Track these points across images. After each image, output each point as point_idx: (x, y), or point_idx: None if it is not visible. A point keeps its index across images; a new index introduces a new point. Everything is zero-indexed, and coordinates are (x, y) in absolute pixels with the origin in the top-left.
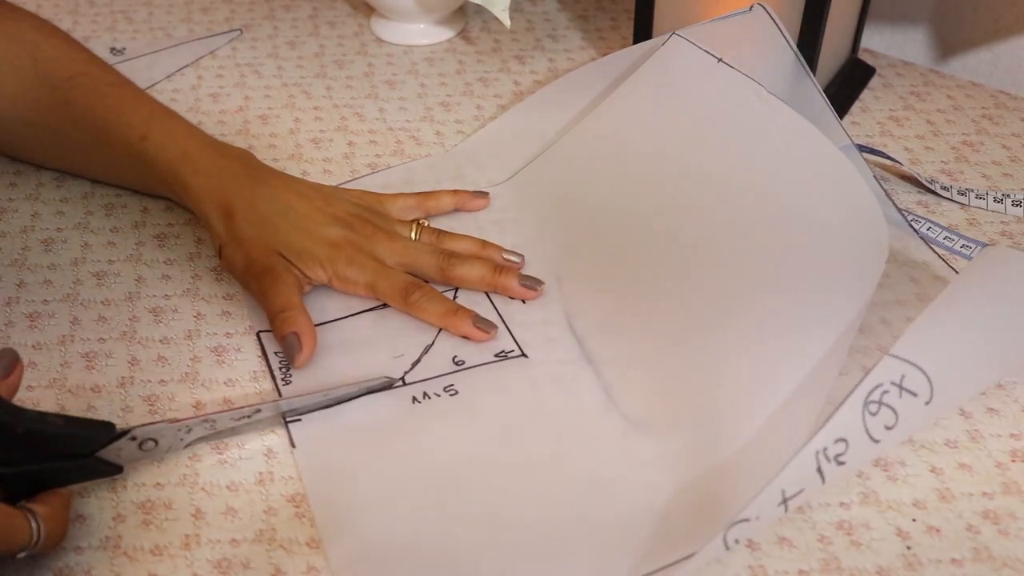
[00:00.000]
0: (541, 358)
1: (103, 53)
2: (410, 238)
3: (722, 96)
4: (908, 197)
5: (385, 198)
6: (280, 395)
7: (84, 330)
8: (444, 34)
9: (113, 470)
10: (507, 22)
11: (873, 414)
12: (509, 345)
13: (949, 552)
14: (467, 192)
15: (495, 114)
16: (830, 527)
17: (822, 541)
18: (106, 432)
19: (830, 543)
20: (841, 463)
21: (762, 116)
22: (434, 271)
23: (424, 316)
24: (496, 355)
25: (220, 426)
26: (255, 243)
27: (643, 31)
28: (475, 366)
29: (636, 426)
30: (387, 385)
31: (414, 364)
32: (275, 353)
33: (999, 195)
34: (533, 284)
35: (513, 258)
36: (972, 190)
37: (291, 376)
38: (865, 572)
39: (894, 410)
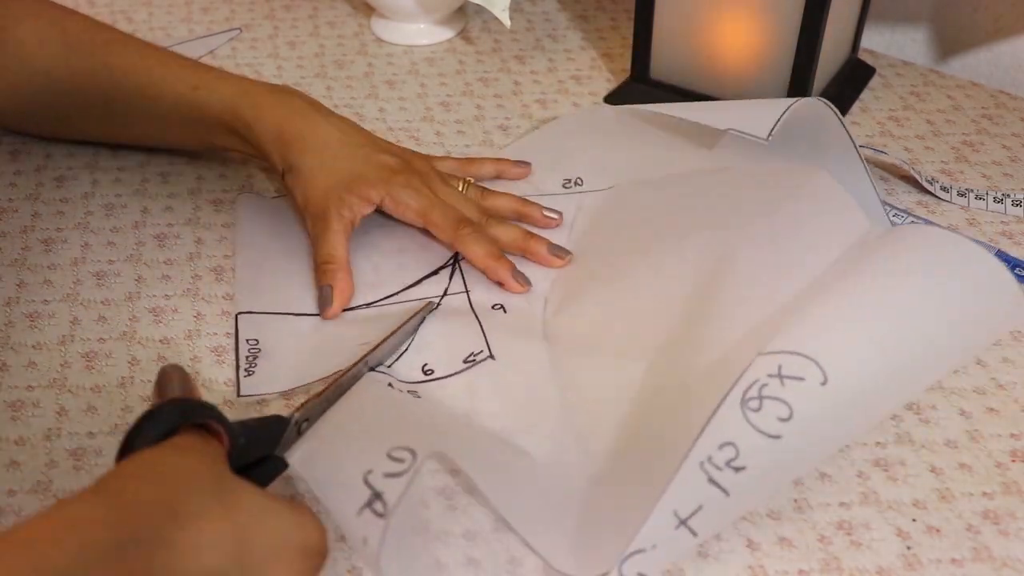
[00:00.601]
0: (507, 363)
1: None
2: (458, 190)
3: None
4: (908, 197)
5: (431, 157)
6: (239, 380)
7: (84, 330)
8: (444, 34)
9: (283, 466)
10: (507, 22)
11: (755, 410)
12: (479, 346)
13: (949, 552)
14: (508, 160)
15: (495, 114)
16: (830, 527)
17: (822, 541)
18: (284, 426)
19: (830, 543)
20: (739, 468)
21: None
22: None
23: (468, 253)
24: (465, 360)
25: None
26: (313, 178)
27: (643, 31)
28: (443, 377)
29: (584, 448)
30: (432, 308)
31: (391, 364)
32: (246, 340)
33: (999, 195)
34: (560, 253)
35: (552, 215)
36: (972, 190)
37: (255, 366)
38: (865, 572)
39: (783, 400)
